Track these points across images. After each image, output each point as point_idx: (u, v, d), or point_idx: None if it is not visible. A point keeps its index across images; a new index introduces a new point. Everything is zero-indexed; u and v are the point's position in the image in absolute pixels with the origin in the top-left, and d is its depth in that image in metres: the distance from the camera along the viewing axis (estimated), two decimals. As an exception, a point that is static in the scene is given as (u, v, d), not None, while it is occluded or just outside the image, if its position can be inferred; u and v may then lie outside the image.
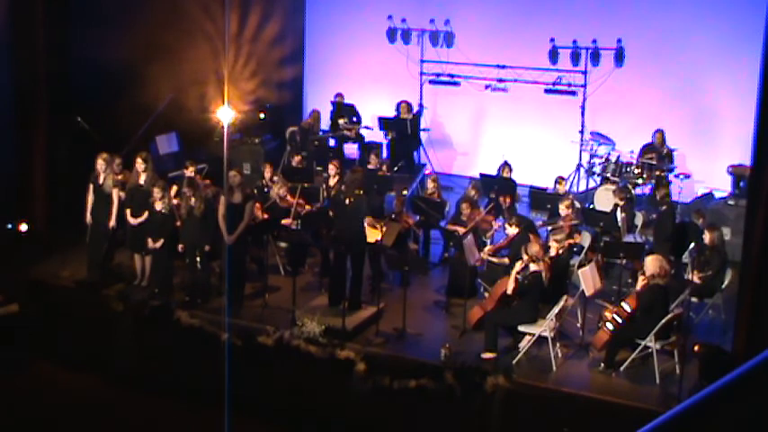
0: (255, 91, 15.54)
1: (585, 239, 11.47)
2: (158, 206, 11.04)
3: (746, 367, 2.98)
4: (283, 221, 11.63)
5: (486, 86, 15.38)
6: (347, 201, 10.72)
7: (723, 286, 10.52)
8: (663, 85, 14.78)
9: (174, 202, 11.36)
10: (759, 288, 8.88)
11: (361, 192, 10.78)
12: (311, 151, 15.03)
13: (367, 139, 16.03)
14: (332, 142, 16.12)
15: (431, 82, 16.07)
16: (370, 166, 13.61)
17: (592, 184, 14.56)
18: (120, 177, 11.63)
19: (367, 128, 15.95)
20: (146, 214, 11.22)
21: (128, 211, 11.37)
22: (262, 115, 16.03)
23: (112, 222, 11.44)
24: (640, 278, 9.58)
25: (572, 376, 9.51)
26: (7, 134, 12.61)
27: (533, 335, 9.69)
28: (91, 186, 11.47)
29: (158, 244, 11.05)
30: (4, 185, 12.53)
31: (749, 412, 2.96)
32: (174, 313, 10.74)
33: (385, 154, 15.53)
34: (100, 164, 11.39)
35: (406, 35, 16.07)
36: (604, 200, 13.04)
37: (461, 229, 11.25)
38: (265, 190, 12.42)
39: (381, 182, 13.02)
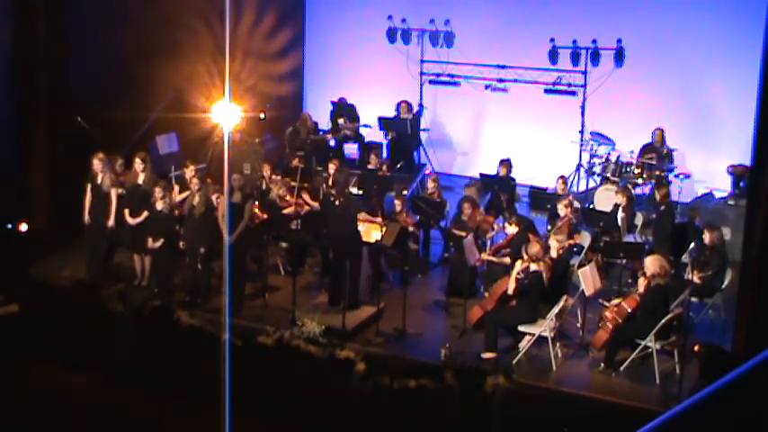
0: (255, 91, 15.50)
1: (585, 239, 11.47)
2: (159, 206, 11.05)
3: (746, 367, 2.98)
4: (285, 211, 11.62)
5: (486, 86, 15.37)
6: (336, 201, 10.72)
7: (723, 286, 10.51)
8: (663, 85, 14.76)
9: (178, 198, 11.39)
10: (759, 288, 8.86)
11: (348, 191, 10.79)
12: (307, 150, 15.00)
13: (367, 139, 16.02)
14: (332, 142, 16.11)
15: (431, 82, 16.06)
16: (370, 166, 13.63)
17: (592, 184, 14.55)
18: (120, 177, 11.65)
19: (366, 126, 15.94)
20: (144, 214, 11.25)
21: (126, 211, 11.39)
22: (262, 115, 16.01)
23: (111, 222, 11.46)
24: (641, 279, 9.57)
25: (572, 376, 9.51)
26: (7, 134, 12.60)
27: (533, 335, 9.69)
28: (88, 186, 11.48)
29: (158, 243, 11.07)
30: (4, 185, 12.53)
31: (749, 412, 2.96)
32: (174, 313, 10.75)
33: (385, 154, 15.51)
34: (96, 163, 11.42)
35: (406, 35, 16.06)
36: (604, 200, 13.03)
37: (463, 234, 11.21)
38: (264, 189, 12.42)
39: (381, 182, 13.02)
